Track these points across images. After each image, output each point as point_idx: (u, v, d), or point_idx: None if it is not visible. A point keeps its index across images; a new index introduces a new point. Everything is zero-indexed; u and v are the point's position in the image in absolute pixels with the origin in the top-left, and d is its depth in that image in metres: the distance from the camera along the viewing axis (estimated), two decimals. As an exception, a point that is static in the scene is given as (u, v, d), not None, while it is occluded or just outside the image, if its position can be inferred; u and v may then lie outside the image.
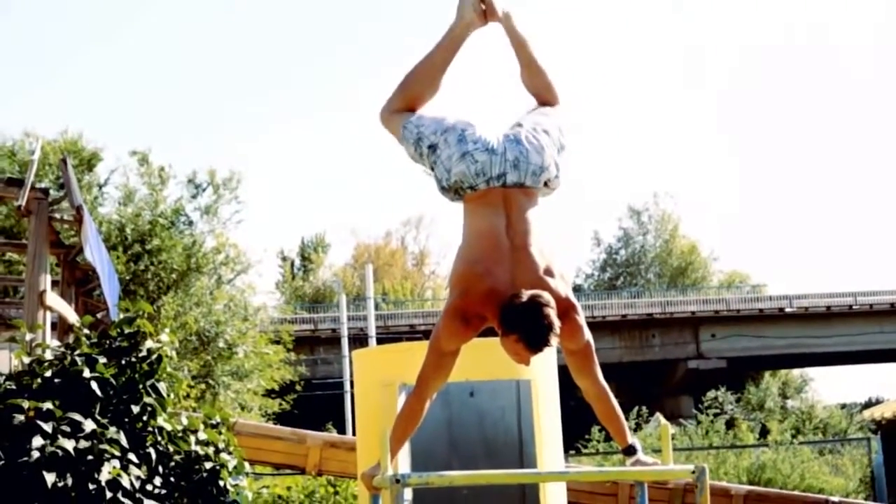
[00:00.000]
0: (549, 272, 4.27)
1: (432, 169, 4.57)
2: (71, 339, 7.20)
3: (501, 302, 4.12)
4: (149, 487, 6.43)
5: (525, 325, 4.06)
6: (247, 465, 7.17)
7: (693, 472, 4.40)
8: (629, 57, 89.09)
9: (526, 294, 4.08)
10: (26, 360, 6.88)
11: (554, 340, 4.12)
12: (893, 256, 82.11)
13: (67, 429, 6.24)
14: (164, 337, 7.02)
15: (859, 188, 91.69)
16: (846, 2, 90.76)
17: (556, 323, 4.07)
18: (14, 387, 6.63)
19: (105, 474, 6.13)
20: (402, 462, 4.41)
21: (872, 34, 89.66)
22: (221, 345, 23.50)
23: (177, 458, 6.69)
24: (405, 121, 4.67)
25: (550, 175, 4.48)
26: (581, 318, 4.34)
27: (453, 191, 4.49)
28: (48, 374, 6.69)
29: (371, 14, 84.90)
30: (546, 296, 4.09)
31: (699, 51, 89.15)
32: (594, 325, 4.51)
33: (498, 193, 4.38)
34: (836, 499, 12.87)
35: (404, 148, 4.71)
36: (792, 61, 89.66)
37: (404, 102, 4.76)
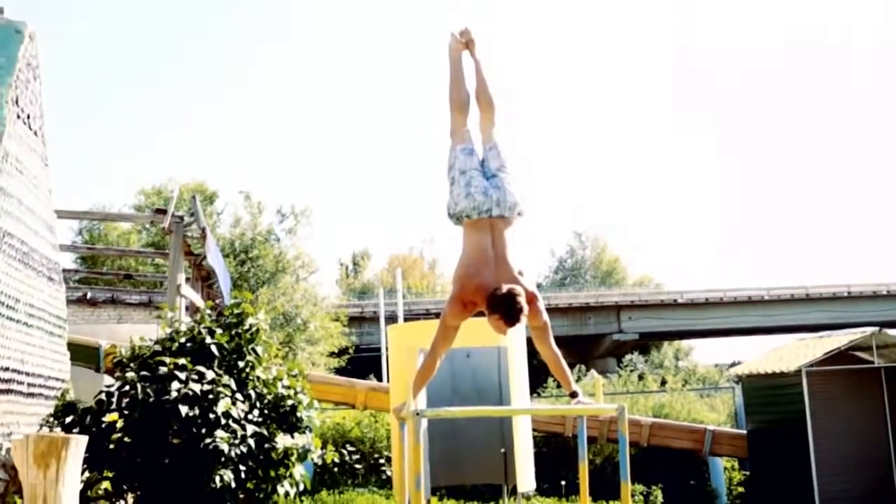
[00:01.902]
0: (520, 273, 4.26)
1: (449, 193, 4.54)
2: (198, 316, 7.18)
3: (488, 293, 4.11)
4: (250, 417, 6.42)
5: (504, 308, 4.05)
6: (315, 402, 7.17)
7: (616, 409, 4.38)
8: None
9: (505, 287, 4.07)
10: (168, 330, 6.89)
11: (523, 319, 4.12)
12: (750, 261, 79.59)
13: (195, 377, 6.24)
14: (261, 316, 7.01)
15: (731, 200, 79.57)
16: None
17: (525, 307, 4.07)
18: (160, 348, 6.64)
19: (220, 407, 6.13)
20: (421, 401, 4.38)
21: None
22: (299, 321, 23.44)
23: (269, 397, 6.68)
24: (454, 147, 4.63)
25: (520, 208, 4.47)
26: (541, 305, 4.32)
27: (456, 217, 4.48)
28: (183, 340, 6.69)
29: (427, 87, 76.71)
30: (518, 289, 4.09)
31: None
32: (549, 310, 4.48)
33: (486, 221, 4.37)
34: (711, 427, 12.81)
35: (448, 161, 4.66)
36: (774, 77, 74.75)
37: (459, 113, 4.71)
